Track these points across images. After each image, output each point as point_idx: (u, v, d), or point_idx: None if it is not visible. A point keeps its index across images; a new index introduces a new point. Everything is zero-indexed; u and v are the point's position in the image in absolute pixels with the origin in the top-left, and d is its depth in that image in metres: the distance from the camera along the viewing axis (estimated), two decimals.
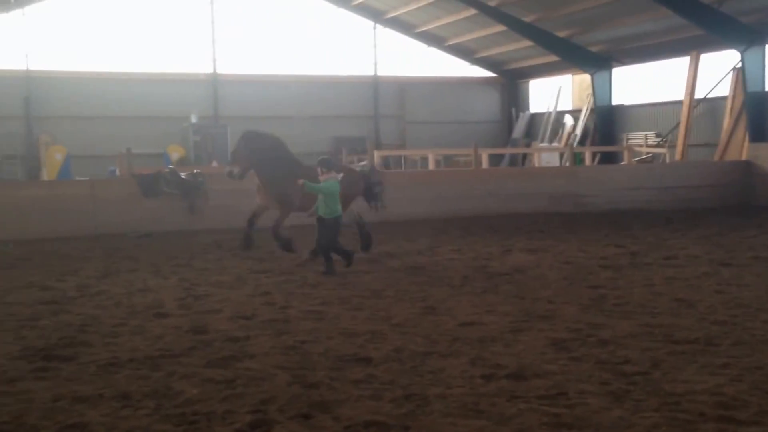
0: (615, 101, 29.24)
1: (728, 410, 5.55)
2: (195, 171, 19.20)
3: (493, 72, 35.42)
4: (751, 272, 11.23)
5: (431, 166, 24.60)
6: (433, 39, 33.84)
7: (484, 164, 23.97)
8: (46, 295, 10.42)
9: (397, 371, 6.65)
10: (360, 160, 26.67)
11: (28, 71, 28.05)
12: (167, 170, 19.31)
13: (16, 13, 28.04)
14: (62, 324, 8.48)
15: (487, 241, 15.41)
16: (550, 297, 9.77)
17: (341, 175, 12.05)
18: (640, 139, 27.03)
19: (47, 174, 23.97)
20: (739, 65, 22.86)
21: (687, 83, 24.62)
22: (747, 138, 22.39)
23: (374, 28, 33.33)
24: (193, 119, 28.21)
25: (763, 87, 22.51)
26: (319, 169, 11.72)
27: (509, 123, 35.16)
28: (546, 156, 28.48)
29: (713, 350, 7.13)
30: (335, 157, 21.66)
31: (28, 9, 28.26)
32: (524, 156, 30.99)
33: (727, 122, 23.23)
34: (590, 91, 29.63)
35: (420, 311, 9.07)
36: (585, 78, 30.28)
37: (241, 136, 13.21)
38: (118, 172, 20.40)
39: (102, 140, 26.77)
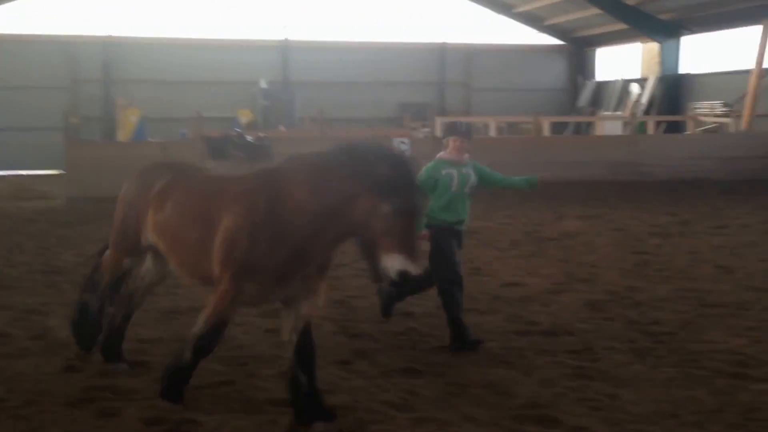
0: (683, 70, 28.71)
1: (744, 368, 5.84)
2: (261, 135, 19.86)
3: (561, 40, 35.08)
4: None
5: (492, 133, 24.73)
6: (502, 6, 33.65)
7: (546, 132, 23.97)
8: None
9: (435, 325, 7.08)
10: (424, 126, 26.95)
11: (106, 37, 29.07)
12: (235, 133, 20.03)
13: None
14: None
15: (542, 207, 15.61)
16: (594, 262, 10.07)
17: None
18: (706, 109, 26.57)
19: (122, 135, 24.91)
20: None
21: (758, 52, 24.05)
22: None
23: None
24: (263, 84, 28.85)
25: None
26: (453, 141, 6.74)
27: (576, 91, 34.89)
28: (610, 125, 28.23)
29: (743, 314, 7.37)
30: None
31: None
32: (589, 124, 30.80)
33: None
34: (658, 59, 29.17)
35: (466, 272, 9.44)
36: (653, 46, 29.74)
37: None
38: (188, 135, 21.17)
39: (175, 104, 27.61)
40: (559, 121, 28.75)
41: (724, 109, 25.65)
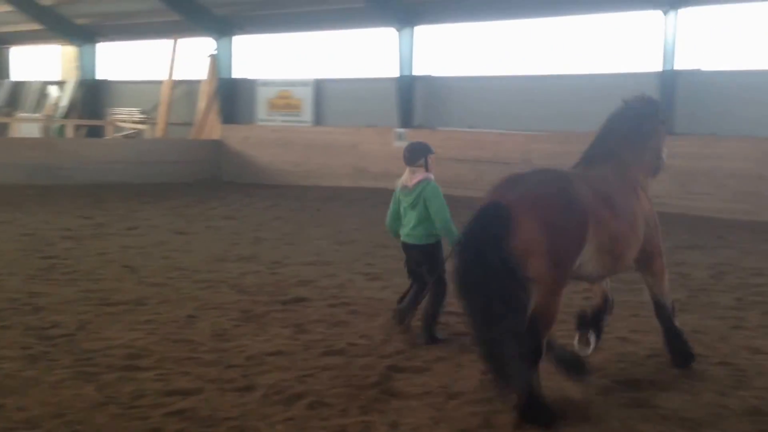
0: (102, 76, 28.99)
1: (134, 360, 6.14)
2: None
3: None
4: (199, 240, 12.30)
5: None
6: None
7: None
8: None
9: None
10: None
11: None
12: None
13: None
14: None
15: None
16: None
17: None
18: (125, 115, 27.31)
19: None
20: (214, 52, 24.44)
21: (168, 65, 25.53)
22: (218, 120, 24.11)
23: None
24: None
25: (233, 74, 24.41)
26: (433, 158, 6.98)
27: None
28: (27, 127, 27.21)
29: (141, 309, 7.75)
30: None
31: None
32: (4, 126, 29.15)
33: (202, 104, 24.68)
34: (77, 63, 28.96)
35: None
36: (72, 50, 29.49)
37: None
38: None
39: None
40: None
41: (141, 116, 26.73)
